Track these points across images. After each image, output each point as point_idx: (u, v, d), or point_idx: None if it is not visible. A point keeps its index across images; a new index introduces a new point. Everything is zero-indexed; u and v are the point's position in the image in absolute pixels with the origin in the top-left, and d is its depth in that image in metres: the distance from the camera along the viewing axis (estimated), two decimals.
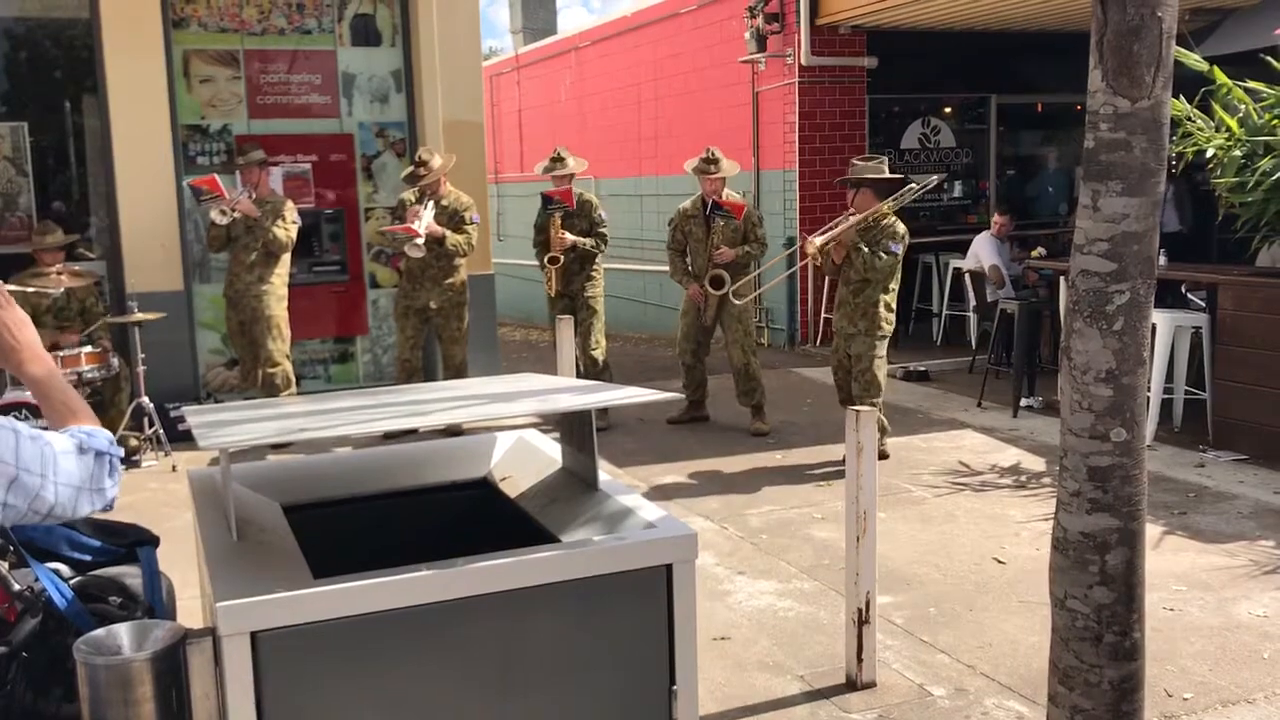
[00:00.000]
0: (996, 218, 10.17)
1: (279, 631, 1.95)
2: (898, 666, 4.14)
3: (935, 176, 7.73)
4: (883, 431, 6.97)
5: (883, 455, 6.96)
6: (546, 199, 7.95)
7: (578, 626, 2.19)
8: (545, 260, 7.94)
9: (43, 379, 1.97)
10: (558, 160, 8.03)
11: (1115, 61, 2.67)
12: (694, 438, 7.75)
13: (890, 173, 7.03)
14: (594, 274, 8.08)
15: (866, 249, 6.63)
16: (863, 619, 3.96)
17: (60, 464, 1.79)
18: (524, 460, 2.90)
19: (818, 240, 6.71)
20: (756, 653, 4.30)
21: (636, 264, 14.39)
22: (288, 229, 7.53)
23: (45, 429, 1.89)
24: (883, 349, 6.85)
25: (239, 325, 7.67)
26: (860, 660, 3.97)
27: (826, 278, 9.61)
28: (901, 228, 6.75)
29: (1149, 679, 2.95)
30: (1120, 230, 2.72)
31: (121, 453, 1.96)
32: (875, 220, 6.71)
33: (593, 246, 7.93)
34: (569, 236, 7.85)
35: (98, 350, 6.96)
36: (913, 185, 6.88)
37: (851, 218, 6.72)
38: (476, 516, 2.81)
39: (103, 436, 1.91)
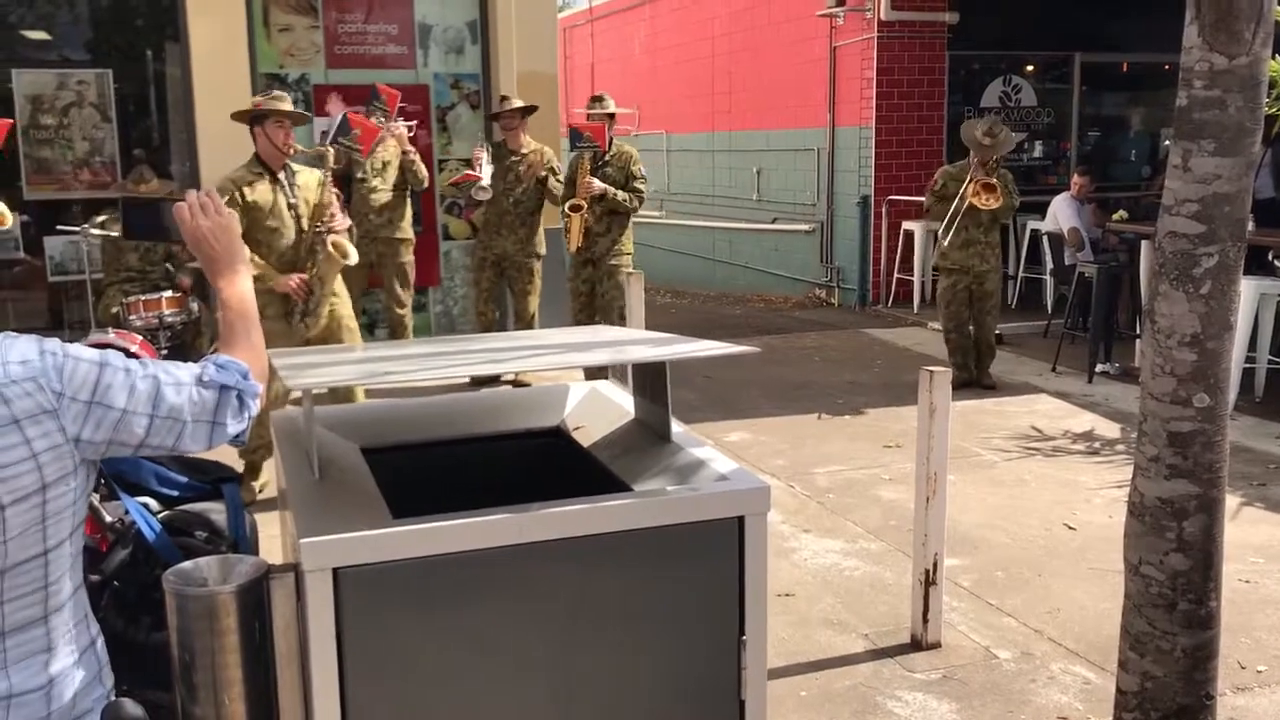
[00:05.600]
0: (1076, 178, 9.94)
1: (360, 568, 1.99)
2: (963, 628, 4.13)
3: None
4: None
5: (990, 385, 7.79)
6: (576, 133, 7.27)
7: (649, 575, 2.21)
8: (566, 207, 7.21)
9: (224, 299, 1.94)
10: (598, 100, 7.51)
11: (1213, 15, 2.60)
12: (760, 395, 7.74)
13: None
14: (623, 240, 7.34)
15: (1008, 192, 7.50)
16: (930, 580, 3.95)
17: (162, 396, 1.74)
18: (597, 410, 2.91)
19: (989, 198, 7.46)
20: (821, 610, 4.31)
21: (707, 220, 14.32)
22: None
23: (169, 356, 1.85)
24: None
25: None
26: (926, 621, 3.97)
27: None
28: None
29: (1221, 650, 2.92)
30: (1211, 191, 2.66)
31: (259, 388, 1.88)
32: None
33: (624, 200, 7.18)
34: (597, 184, 7.10)
35: (178, 295, 7.11)
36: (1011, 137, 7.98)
37: (980, 169, 7.53)
38: (549, 464, 2.84)
39: (235, 370, 1.84)
